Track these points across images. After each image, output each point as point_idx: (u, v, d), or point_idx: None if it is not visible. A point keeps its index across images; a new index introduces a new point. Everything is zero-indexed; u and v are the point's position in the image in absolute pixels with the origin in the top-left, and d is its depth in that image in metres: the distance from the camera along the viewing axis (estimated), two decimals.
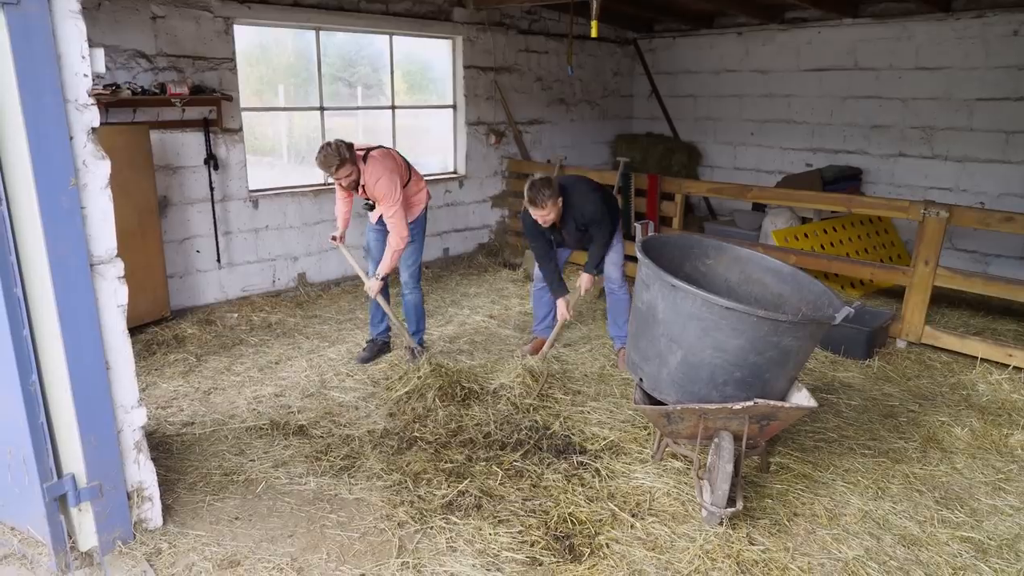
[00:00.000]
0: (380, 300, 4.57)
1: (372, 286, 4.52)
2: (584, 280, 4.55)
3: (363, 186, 4.33)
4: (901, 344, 5.05)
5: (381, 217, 4.55)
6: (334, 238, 4.80)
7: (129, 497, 2.80)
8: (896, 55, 6.92)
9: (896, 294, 5.81)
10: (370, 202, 4.47)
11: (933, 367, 4.75)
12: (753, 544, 2.87)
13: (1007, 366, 4.58)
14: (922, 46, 6.75)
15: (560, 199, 4.19)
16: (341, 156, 4.13)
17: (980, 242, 6.76)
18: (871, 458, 3.57)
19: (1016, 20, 6.17)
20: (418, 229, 4.61)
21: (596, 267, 4.55)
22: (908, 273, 4.98)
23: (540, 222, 4.24)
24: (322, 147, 4.17)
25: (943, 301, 5.87)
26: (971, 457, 3.60)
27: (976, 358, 4.71)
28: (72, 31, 2.34)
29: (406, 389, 4.17)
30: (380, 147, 4.44)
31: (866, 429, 3.87)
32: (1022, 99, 6.28)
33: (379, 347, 4.85)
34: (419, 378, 4.20)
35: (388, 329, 4.88)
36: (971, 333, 5.08)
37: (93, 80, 2.44)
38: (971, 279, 4.86)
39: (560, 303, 4.50)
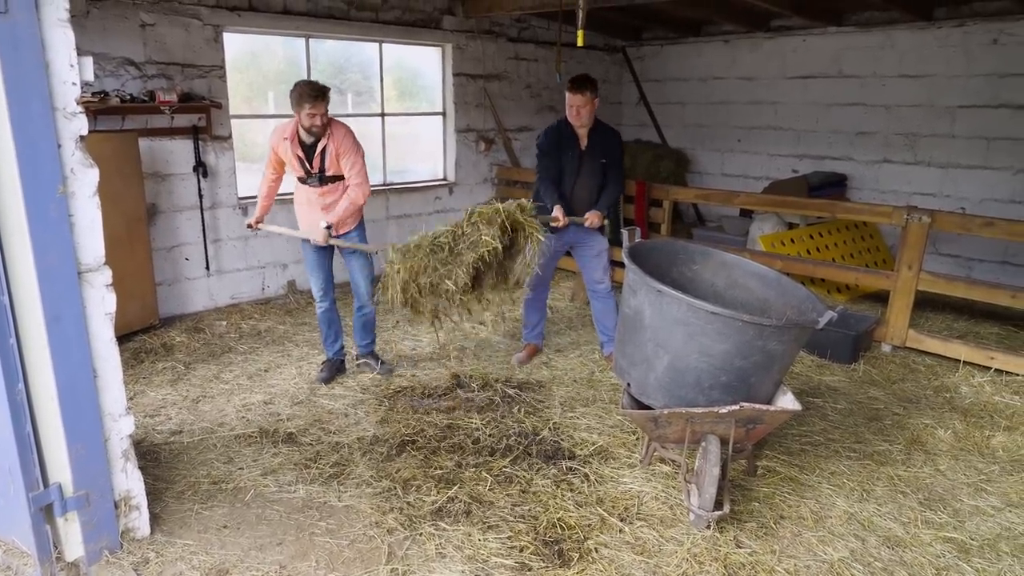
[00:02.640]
0: (339, 242, 4.22)
1: (320, 236, 4.11)
2: (594, 215, 4.44)
3: (319, 152, 4.07)
4: (886, 348, 5.11)
5: (328, 231, 4.18)
6: (250, 225, 4.44)
7: (116, 506, 2.79)
8: (880, 63, 7.01)
9: (881, 298, 5.87)
10: (316, 176, 4.13)
11: (917, 370, 4.80)
12: (740, 547, 2.90)
13: (989, 369, 4.64)
14: (905, 54, 6.84)
15: (596, 101, 4.38)
16: (324, 88, 3.96)
17: (963, 247, 6.85)
18: (856, 461, 3.60)
19: (995, 29, 6.27)
20: (364, 233, 4.46)
21: (608, 208, 4.55)
22: (892, 278, 5.04)
23: (573, 115, 4.36)
24: (301, 80, 4.01)
25: (927, 305, 5.94)
26: (954, 459, 3.64)
27: (959, 361, 4.77)
28: (60, 39, 2.35)
29: (396, 287, 3.75)
30: None
31: (851, 432, 3.91)
32: (1002, 106, 6.38)
33: (336, 366, 4.63)
34: (397, 272, 3.76)
35: (342, 348, 4.66)
36: (954, 336, 5.15)
37: (82, 88, 2.45)
38: (953, 283, 4.92)
39: (557, 208, 4.36)
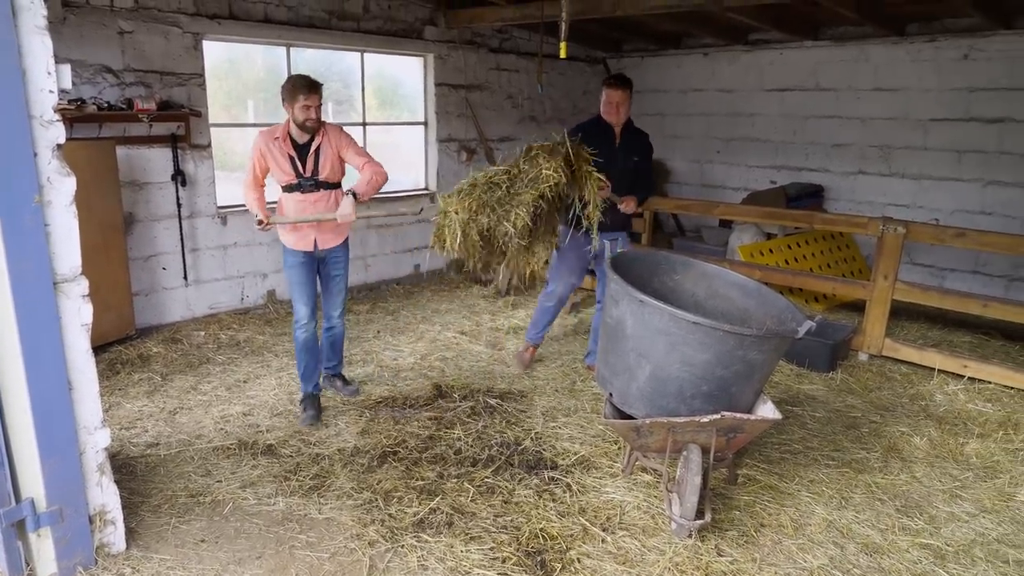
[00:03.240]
0: (370, 212, 4.00)
1: (347, 211, 3.83)
2: (630, 199, 4.40)
3: (312, 151, 3.87)
4: (863, 357, 5.18)
5: (315, 246, 3.98)
6: (261, 222, 3.84)
7: (91, 521, 2.74)
8: (855, 76, 7.15)
9: (857, 308, 5.96)
10: (310, 180, 3.89)
11: (893, 378, 4.87)
12: (721, 555, 2.91)
13: (962, 377, 4.72)
14: (879, 68, 6.98)
15: (631, 100, 4.41)
16: (318, 81, 3.78)
17: (936, 257, 6.98)
18: (835, 468, 3.64)
19: (965, 45, 6.43)
20: (348, 250, 4.25)
21: (641, 201, 4.55)
22: (868, 287, 5.12)
23: (611, 111, 4.37)
24: (294, 74, 3.89)
25: (902, 314, 6.04)
26: (929, 466, 3.70)
27: (934, 369, 4.85)
28: (38, 47, 2.32)
29: (456, 230, 3.38)
30: None
31: (830, 440, 3.96)
32: (973, 120, 6.53)
33: (318, 401, 4.22)
34: (455, 212, 3.39)
35: (319, 383, 4.30)
36: (929, 345, 5.23)
37: (59, 96, 2.42)
38: (928, 293, 5.01)
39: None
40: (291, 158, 3.90)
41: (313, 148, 3.91)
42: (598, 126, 4.49)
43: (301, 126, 3.84)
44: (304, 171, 3.92)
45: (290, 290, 4.14)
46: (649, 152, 4.69)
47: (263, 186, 4.05)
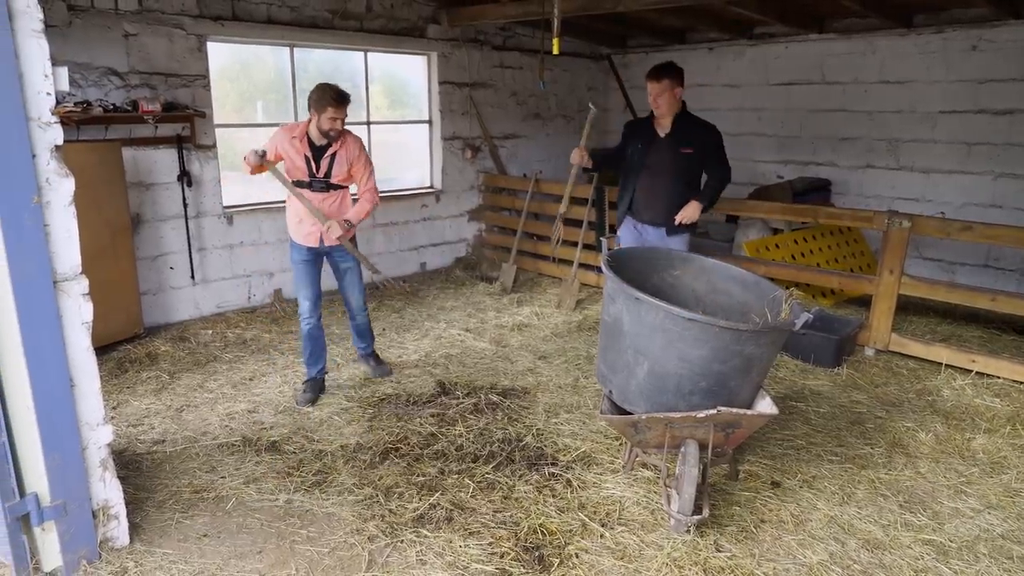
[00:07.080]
0: (348, 246, 4.24)
1: (334, 233, 4.09)
2: (693, 207, 4.37)
3: (328, 156, 4.07)
4: (869, 352, 5.14)
5: (320, 242, 4.18)
6: (263, 155, 3.95)
7: (95, 515, 2.78)
8: (861, 69, 7.08)
9: (865, 303, 5.91)
10: (321, 181, 4.10)
11: (900, 374, 4.83)
12: (720, 551, 2.90)
13: (970, 371, 4.67)
14: (886, 60, 6.91)
15: (680, 92, 4.33)
16: (348, 94, 3.99)
17: (946, 251, 6.90)
18: (838, 464, 3.62)
19: (974, 36, 6.35)
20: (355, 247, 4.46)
21: (710, 201, 4.44)
22: (874, 282, 5.08)
23: (652, 104, 4.41)
24: (324, 83, 4.00)
25: (910, 309, 5.99)
26: (935, 461, 3.66)
27: (941, 364, 4.80)
28: (35, 50, 2.35)
29: None
30: None
31: (834, 436, 3.93)
32: (982, 112, 6.45)
33: (319, 386, 4.44)
34: None
35: (325, 366, 4.49)
36: (936, 340, 5.18)
37: (58, 98, 2.46)
38: (935, 287, 4.97)
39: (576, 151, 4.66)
40: (306, 158, 4.08)
41: (329, 152, 4.10)
42: (644, 120, 4.61)
43: (324, 134, 4.03)
44: (317, 172, 4.10)
45: (295, 284, 4.39)
46: (712, 146, 4.49)
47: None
